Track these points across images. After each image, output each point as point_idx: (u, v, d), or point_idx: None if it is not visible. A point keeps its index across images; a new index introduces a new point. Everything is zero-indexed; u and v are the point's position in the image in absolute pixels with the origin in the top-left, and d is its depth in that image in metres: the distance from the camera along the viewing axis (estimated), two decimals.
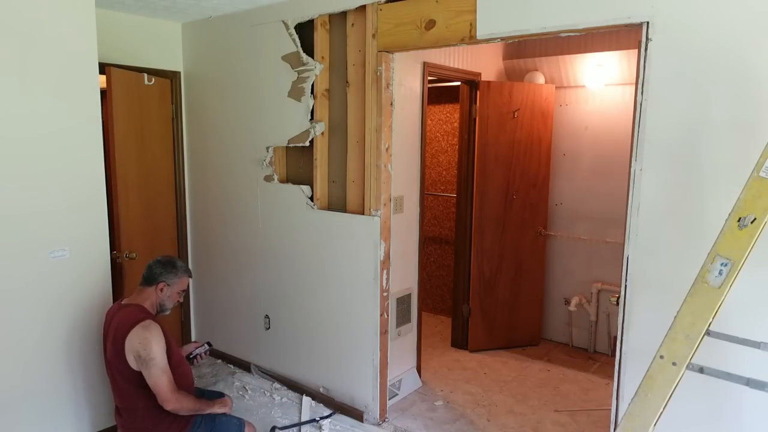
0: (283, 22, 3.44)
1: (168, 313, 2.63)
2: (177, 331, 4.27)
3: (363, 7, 3.09)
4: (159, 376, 2.33)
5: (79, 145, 2.87)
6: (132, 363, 2.36)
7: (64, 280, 2.86)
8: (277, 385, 3.77)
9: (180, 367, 2.51)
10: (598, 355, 4.40)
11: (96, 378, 3.02)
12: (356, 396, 3.39)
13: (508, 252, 4.38)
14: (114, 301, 2.84)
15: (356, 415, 3.36)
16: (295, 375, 3.72)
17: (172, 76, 4.06)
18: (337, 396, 3.49)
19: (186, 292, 2.70)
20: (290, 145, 3.54)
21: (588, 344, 4.46)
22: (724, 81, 2.08)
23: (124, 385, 2.44)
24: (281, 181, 3.65)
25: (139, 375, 2.38)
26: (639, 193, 2.30)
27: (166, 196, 4.10)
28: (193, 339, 4.39)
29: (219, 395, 2.86)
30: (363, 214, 3.23)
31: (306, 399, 3.52)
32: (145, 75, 3.77)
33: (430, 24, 2.82)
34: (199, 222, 4.23)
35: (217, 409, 2.57)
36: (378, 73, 3.07)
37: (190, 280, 2.69)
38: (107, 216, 3.04)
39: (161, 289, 2.54)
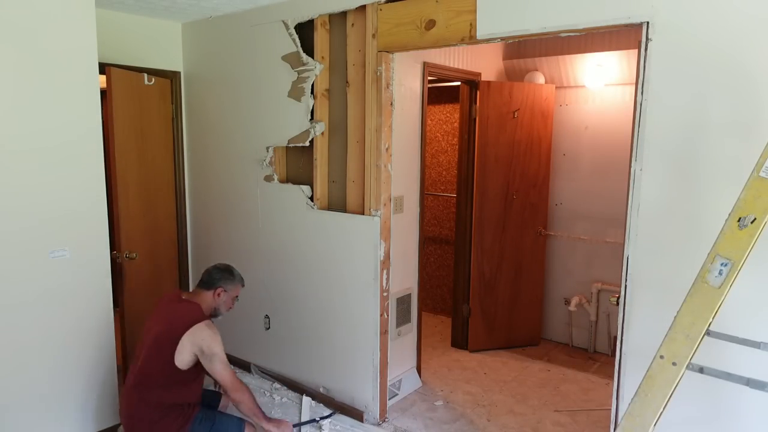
0: (283, 22, 3.44)
1: (220, 318, 2.75)
2: None
3: (363, 7, 3.09)
4: (223, 370, 2.51)
5: (79, 144, 2.87)
6: (185, 353, 2.47)
7: (64, 280, 2.86)
8: (277, 385, 3.77)
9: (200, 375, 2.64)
10: (598, 355, 4.40)
11: (96, 377, 3.02)
12: (356, 396, 3.39)
13: (508, 252, 4.38)
14: (114, 301, 2.92)
15: (356, 415, 3.36)
16: (295, 375, 3.72)
17: (172, 76, 4.06)
18: (337, 396, 3.49)
19: (237, 300, 2.84)
20: (290, 145, 3.54)
21: (588, 344, 4.46)
22: (724, 81, 2.09)
23: (154, 367, 2.51)
24: (281, 181, 3.65)
25: (172, 366, 2.47)
26: (639, 193, 2.30)
27: (166, 196, 4.10)
28: None
29: (217, 396, 2.94)
30: (363, 214, 3.23)
31: (306, 399, 3.52)
32: (145, 75, 3.77)
33: (430, 24, 2.82)
34: (200, 222, 4.23)
35: (272, 428, 2.64)
36: (378, 73, 3.07)
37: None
38: (107, 216, 3.04)
39: (218, 294, 2.68)
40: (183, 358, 2.48)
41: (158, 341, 2.51)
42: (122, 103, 3.59)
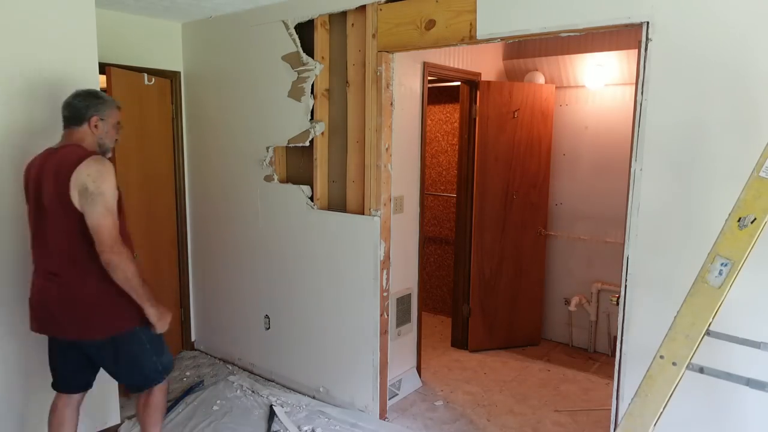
0: (283, 22, 3.44)
1: (109, 154, 2.35)
2: (177, 332, 4.26)
3: (363, 7, 3.09)
4: (103, 215, 2.05)
5: None
6: (75, 200, 2.06)
7: None
8: (276, 385, 3.77)
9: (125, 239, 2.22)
10: (598, 355, 4.40)
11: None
12: (356, 396, 3.39)
13: (508, 252, 4.39)
14: None
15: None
16: (295, 375, 3.72)
17: (172, 76, 4.06)
18: (337, 396, 3.49)
19: (121, 126, 2.41)
20: (290, 145, 3.54)
21: (588, 344, 4.46)
22: (724, 81, 2.09)
23: (67, 236, 2.12)
24: (281, 181, 3.65)
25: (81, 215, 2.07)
26: (639, 193, 2.30)
27: (166, 196, 4.10)
28: (193, 339, 4.39)
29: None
30: (363, 214, 3.23)
31: (279, 409, 3.38)
32: (145, 75, 3.77)
33: (430, 24, 2.82)
34: (199, 222, 4.23)
35: (152, 313, 2.22)
36: (378, 73, 3.07)
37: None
38: None
39: (96, 126, 2.25)
40: (78, 203, 2.09)
41: (53, 205, 2.12)
42: (122, 103, 3.57)
